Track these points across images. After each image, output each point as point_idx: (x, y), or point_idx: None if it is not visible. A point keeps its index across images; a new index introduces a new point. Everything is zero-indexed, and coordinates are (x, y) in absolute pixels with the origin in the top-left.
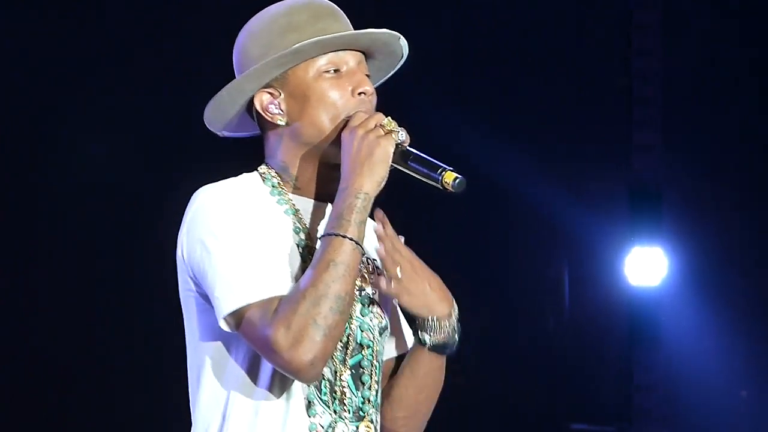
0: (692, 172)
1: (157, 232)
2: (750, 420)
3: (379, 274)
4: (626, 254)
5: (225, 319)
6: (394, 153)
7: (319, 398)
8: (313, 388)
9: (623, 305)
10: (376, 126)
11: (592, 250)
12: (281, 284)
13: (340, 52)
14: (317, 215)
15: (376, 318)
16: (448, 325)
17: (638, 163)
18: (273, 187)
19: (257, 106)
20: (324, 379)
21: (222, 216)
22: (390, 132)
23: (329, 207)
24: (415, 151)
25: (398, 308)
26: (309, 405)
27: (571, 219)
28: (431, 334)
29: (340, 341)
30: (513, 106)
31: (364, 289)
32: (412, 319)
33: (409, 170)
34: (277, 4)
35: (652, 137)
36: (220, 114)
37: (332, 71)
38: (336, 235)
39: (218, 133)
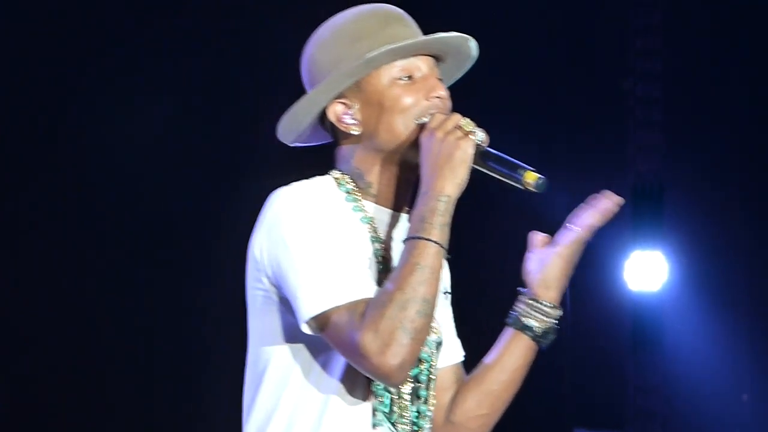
0: (694, 175)
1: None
2: (751, 424)
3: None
4: (627, 258)
5: (308, 321)
6: (473, 154)
7: (382, 410)
8: (377, 399)
9: (625, 309)
10: (454, 128)
11: (593, 253)
12: (366, 288)
13: (411, 58)
14: (391, 224)
15: (434, 332)
16: (554, 315)
17: (640, 165)
18: (348, 193)
19: (331, 117)
20: (387, 390)
21: (305, 219)
22: (469, 133)
23: (403, 217)
24: (494, 151)
25: (452, 320)
26: (373, 415)
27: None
28: (539, 319)
29: None
30: (514, 107)
31: None
32: (505, 313)
33: (489, 171)
34: (343, 12)
35: (654, 139)
36: (294, 127)
37: (405, 78)
38: (420, 238)
39: (289, 144)
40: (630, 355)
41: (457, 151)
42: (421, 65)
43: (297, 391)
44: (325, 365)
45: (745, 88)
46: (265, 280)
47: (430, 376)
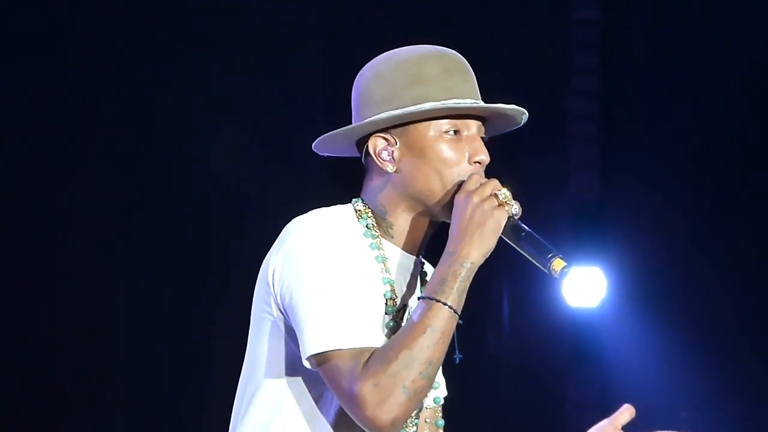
0: (632, 191)
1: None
2: None
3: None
4: (565, 274)
5: (309, 358)
6: (505, 225)
7: None
8: None
9: (564, 325)
10: (491, 195)
11: (532, 269)
12: (372, 335)
13: (466, 119)
14: (405, 268)
15: (433, 389)
16: None
17: (578, 182)
18: (367, 228)
19: (371, 149)
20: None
21: (322, 252)
22: (504, 203)
23: (416, 262)
24: (526, 227)
25: None
26: None
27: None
28: None
29: None
30: None
31: None
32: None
33: (518, 247)
34: (408, 48)
35: (592, 156)
36: (331, 145)
37: (452, 132)
38: (437, 300)
39: (320, 153)
40: (569, 371)
41: (490, 220)
42: (471, 124)
43: (286, 421)
44: (318, 401)
45: (684, 105)
46: (274, 305)
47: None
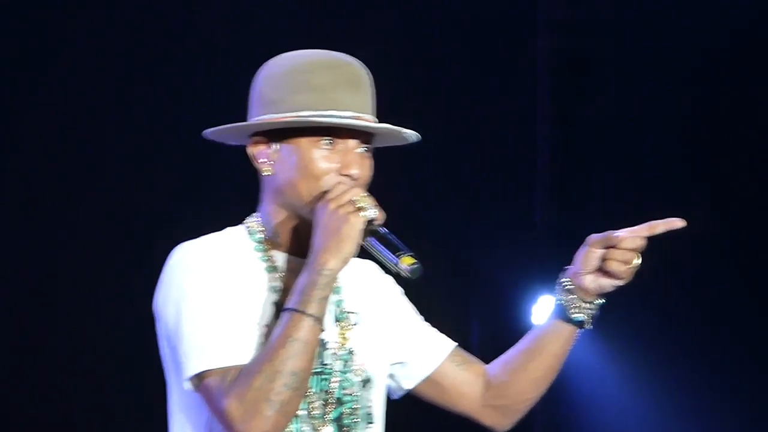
0: (598, 220)
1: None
2: None
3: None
4: (533, 302)
5: (186, 381)
6: (364, 231)
7: None
8: None
9: None
10: (348, 202)
11: (501, 297)
12: (244, 352)
13: (341, 128)
14: (296, 272)
15: (356, 373)
16: (598, 305)
17: (546, 211)
18: (257, 242)
19: (249, 151)
20: None
21: (195, 277)
22: (360, 209)
23: (301, 262)
24: (383, 230)
25: (417, 323)
26: None
27: (480, 266)
28: (586, 312)
29: (321, 399)
30: (424, 152)
31: (343, 344)
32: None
33: (371, 250)
34: (310, 52)
35: (560, 178)
36: (228, 140)
37: (327, 142)
38: (296, 311)
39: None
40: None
41: (344, 225)
42: (346, 135)
43: None
44: (211, 425)
45: (641, 132)
46: (162, 334)
47: (355, 415)
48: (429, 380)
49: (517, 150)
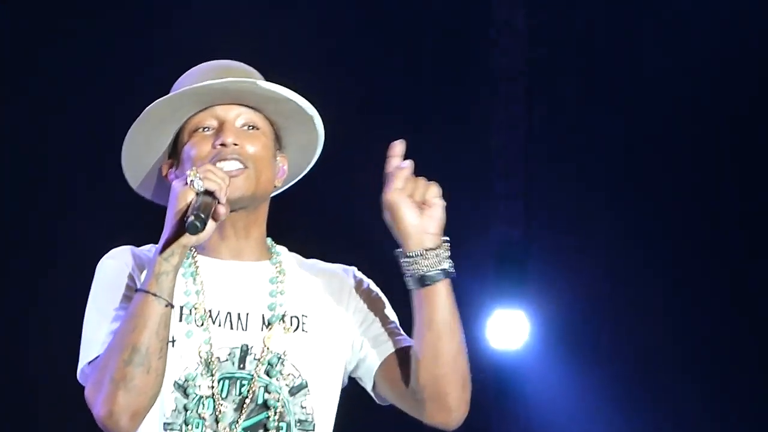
0: (555, 231)
1: None
2: None
3: None
4: (488, 317)
5: (79, 378)
6: (190, 203)
7: None
8: None
9: (485, 369)
10: (186, 177)
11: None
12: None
13: (215, 108)
14: (222, 274)
15: (285, 378)
16: (431, 257)
17: (500, 224)
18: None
19: (163, 173)
20: None
21: (98, 281)
22: (192, 182)
23: (236, 264)
24: (204, 200)
25: (380, 316)
26: None
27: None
28: (423, 264)
29: (232, 404)
30: (372, 158)
31: (270, 349)
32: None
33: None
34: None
35: (515, 192)
36: (149, 193)
37: (202, 129)
38: (137, 290)
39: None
40: (493, 412)
41: (175, 201)
42: (221, 113)
43: None
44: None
45: (607, 136)
46: None
47: (280, 422)
48: (378, 383)
49: (476, 159)
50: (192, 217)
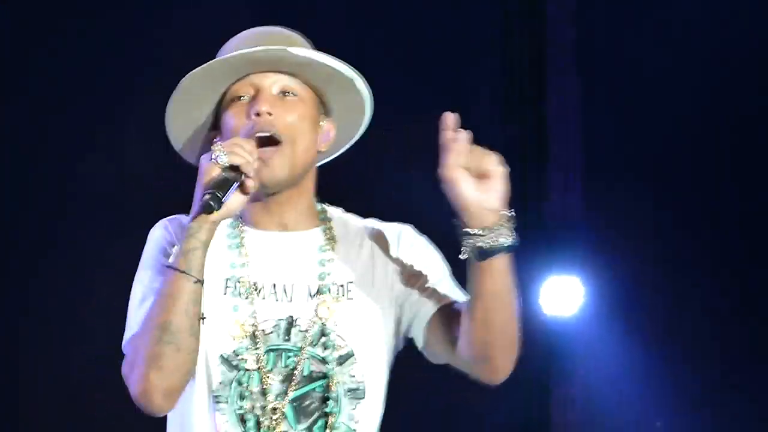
0: (609, 199)
1: None
2: None
3: None
4: (542, 283)
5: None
6: (215, 178)
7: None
8: (236, 422)
9: (539, 335)
10: (212, 153)
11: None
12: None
13: (251, 76)
14: (267, 246)
15: (332, 348)
16: (491, 233)
17: (554, 190)
18: (233, 220)
19: (211, 142)
20: (247, 412)
21: (146, 253)
22: (216, 157)
23: (281, 235)
24: (226, 175)
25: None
26: None
27: None
28: (471, 241)
29: (279, 376)
30: (426, 135)
31: (315, 319)
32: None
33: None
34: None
35: (571, 164)
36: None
37: (239, 98)
38: (168, 266)
39: None
40: (544, 380)
41: (202, 176)
42: (256, 81)
43: (173, 417)
44: (189, 394)
45: (665, 107)
46: None
47: (328, 393)
48: (428, 340)
49: (530, 123)
50: (207, 196)
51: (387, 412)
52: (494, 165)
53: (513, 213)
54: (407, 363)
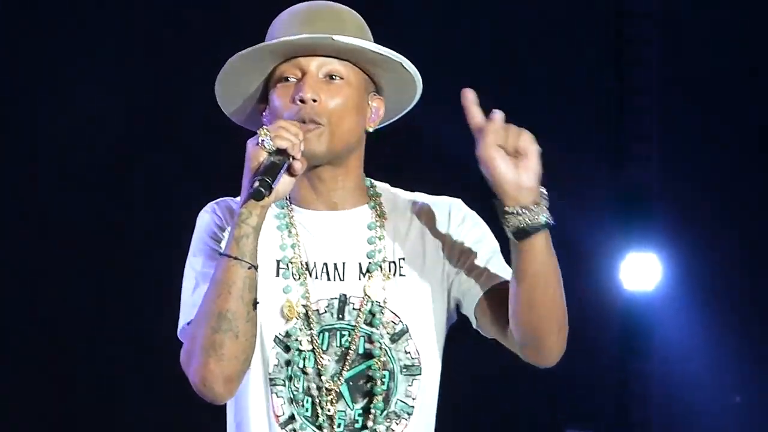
0: (687, 176)
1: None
2: (744, 426)
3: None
4: (621, 260)
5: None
6: (263, 162)
7: (301, 414)
8: (292, 403)
9: (617, 310)
10: (261, 136)
11: (587, 255)
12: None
13: (298, 59)
14: (317, 226)
15: (386, 326)
16: (528, 212)
17: (632, 167)
18: (281, 201)
19: (261, 115)
20: (304, 393)
21: (197, 236)
22: (262, 141)
23: (331, 215)
24: (273, 159)
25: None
26: (290, 420)
27: (565, 224)
28: (510, 220)
29: (334, 356)
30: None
31: (368, 297)
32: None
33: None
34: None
35: (646, 143)
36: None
37: (284, 80)
38: (221, 254)
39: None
40: (622, 355)
41: (248, 162)
42: (303, 64)
43: (234, 400)
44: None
45: (739, 95)
46: None
47: (382, 371)
48: (479, 319)
49: (605, 100)
50: (257, 183)
51: (445, 386)
52: (529, 143)
53: (545, 192)
54: (469, 334)
